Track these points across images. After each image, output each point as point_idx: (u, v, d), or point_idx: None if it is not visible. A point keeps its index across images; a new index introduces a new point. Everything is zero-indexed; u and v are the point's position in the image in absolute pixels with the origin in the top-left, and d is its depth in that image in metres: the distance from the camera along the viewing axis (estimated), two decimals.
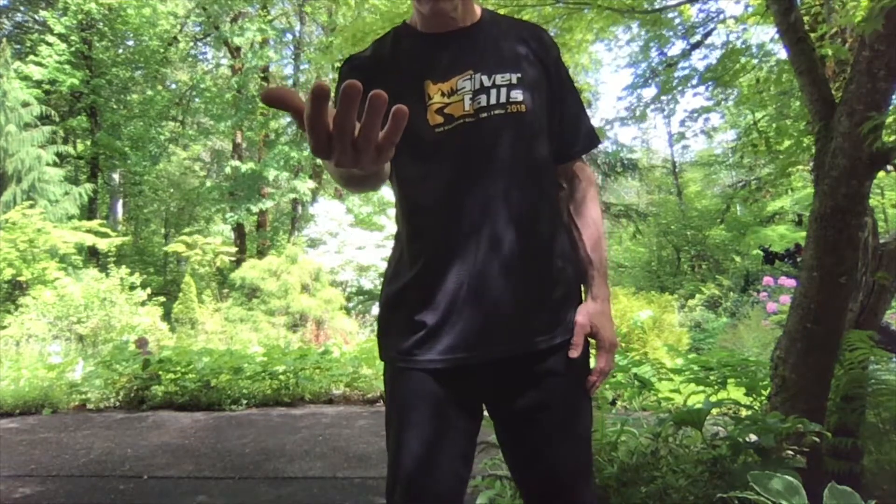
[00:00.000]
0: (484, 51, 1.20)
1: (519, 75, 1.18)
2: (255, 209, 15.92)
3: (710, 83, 4.41)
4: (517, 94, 1.17)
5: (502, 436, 1.23)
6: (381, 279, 1.33)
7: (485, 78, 1.17)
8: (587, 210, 1.27)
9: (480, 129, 1.15)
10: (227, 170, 17.14)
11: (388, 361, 1.22)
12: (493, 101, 1.16)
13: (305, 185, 16.01)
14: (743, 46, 4.23)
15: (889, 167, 2.22)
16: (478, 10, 1.25)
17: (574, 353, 1.19)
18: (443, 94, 1.16)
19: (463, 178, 1.15)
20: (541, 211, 1.19)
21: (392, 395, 1.19)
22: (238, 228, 17.25)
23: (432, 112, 1.16)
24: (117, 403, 5.61)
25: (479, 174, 1.15)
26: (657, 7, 4.11)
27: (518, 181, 1.17)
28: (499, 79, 1.17)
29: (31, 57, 14.95)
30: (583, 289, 1.28)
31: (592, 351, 1.28)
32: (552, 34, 4.08)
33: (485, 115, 1.15)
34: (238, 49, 17.07)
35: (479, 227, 1.14)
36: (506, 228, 1.15)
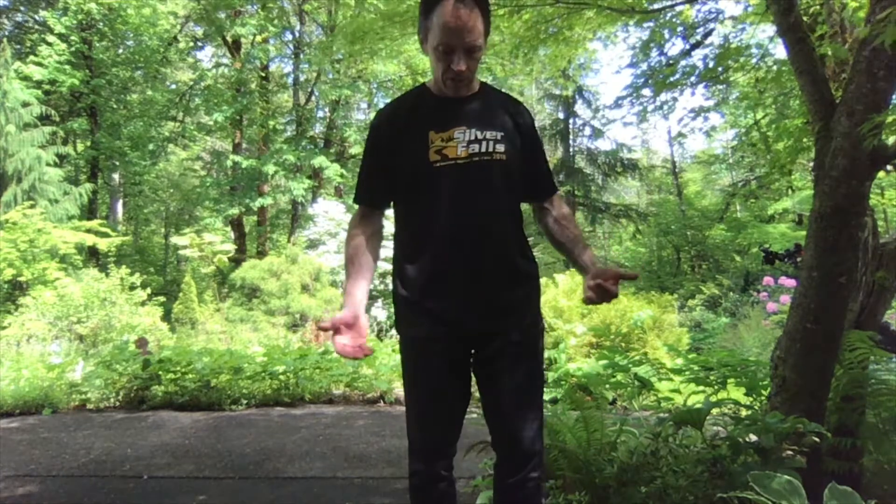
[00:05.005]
0: (477, 113, 1.65)
1: (502, 133, 1.64)
2: (254, 205, 15.87)
3: (707, 83, 4.40)
4: (500, 147, 1.62)
5: (479, 386, 1.70)
6: (382, 279, 1.74)
7: (477, 132, 1.62)
8: (569, 224, 1.76)
9: (471, 169, 1.59)
10: (228, 163, 17.06)
11: (399, 334, 1.73)
12: (483, 149, 1.61)
13: (303, 186, 15.95)
14: (742, 46, 4.22)
15: (889, 167, 2.22)
16: (477, 84, 1.70)
17: (595, 293, 1.59)
18: (442, 140, 1.60)
19: (455, 204, 1.58)
20: (509, 229, 1.65)
21: (402, 353, 1.73)
22: (238, 227, 17.21)
23: (432, 152, 1.59)
24: (117, 403, 5.61)
25: (468, 201, 1.59)
26: (657, 7, 4.10)
27: (495, 208, 1.62)
28: (488, 134, 1.62)
29: (31, 57, 14.91)
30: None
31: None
32: (551, 32, 4.12)
33: (476, 159, 1.60)
34: (238, 47, 17.05)
35: (464, 240, 1.58)
36: (483, 242, 1.59)
